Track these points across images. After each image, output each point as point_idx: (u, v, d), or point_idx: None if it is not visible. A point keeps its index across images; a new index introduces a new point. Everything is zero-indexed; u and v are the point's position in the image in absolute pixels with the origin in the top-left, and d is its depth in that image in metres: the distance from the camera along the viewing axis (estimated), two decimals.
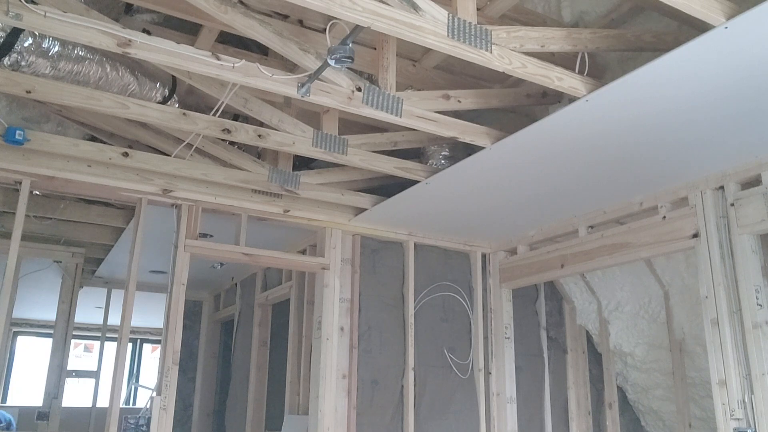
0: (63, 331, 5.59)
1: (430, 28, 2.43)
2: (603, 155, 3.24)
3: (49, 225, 5.09)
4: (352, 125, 3.89)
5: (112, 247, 5.57)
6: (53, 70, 2.87)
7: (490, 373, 4.72)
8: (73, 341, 6.05)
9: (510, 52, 2.67)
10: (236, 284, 6.53)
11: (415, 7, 2.42)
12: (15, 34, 2.70)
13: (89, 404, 6.88)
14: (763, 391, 3.04)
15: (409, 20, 2.40)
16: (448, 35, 2.47)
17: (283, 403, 4.82)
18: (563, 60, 3.05)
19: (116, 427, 3.46)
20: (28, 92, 2.87)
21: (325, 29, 2.87)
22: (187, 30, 3.35)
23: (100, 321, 6.95)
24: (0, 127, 3.31)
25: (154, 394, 3.62)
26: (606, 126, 2.93)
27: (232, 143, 3.83)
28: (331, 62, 2.52)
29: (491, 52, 2.58)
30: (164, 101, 3.30)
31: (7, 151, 3.40)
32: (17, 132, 3.29)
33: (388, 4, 2.36)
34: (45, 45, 2.80)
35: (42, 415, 5.42)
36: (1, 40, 2.68)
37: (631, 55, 3.35)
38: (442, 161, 3.85)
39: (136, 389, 10.55)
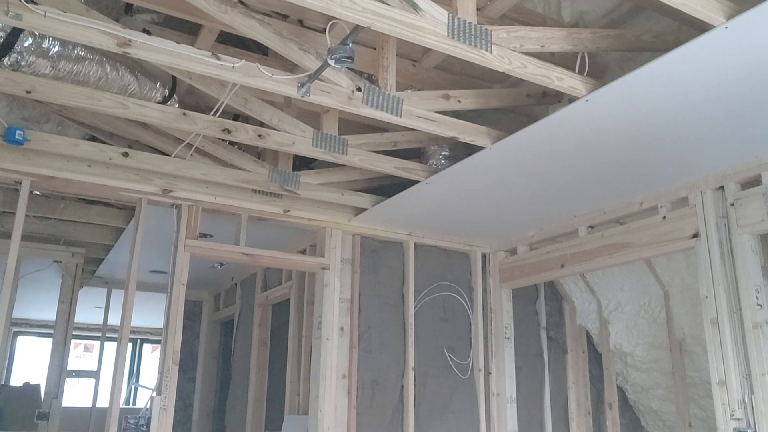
0: (63, 331, 5.59)
1: (430, 28, 2.43)
2: (603, 155, 3.24)
3: (49, 225, 5.09)
4: (352, 125, 3.89)
5: (112, 247, 5.57)
6: (53, 70, 2.87)
7: (490, 373, 4.72)
8: (73, 341, 6.04)
9: (510, 52, 2.67)
10: (236, 284, 6.53)
11: (415, 7, 2.42)
12: (15, 34, 2.69)
13: (89, 404, 6.88)
14: (763, 391, 3.03)
15: (409, 20, 2.40)
16: (448, 35, 2.47)
17: (283, 403, 4.82)
18: (563, 60, 3.05)
19: (116, 427, 3.46)
20: (28, 92, 2.87)
21: (325, 29, 2.87)
22: (187, 30, 3.36)
23: (100, 321, 6.95)
24: (0, 127, 3.31)
25: (154, 394, 3.62)
26: (606, 126, 2.93)
27: (232, 143, 3.83)
28: (331, 62, 2.52)
29: (491, 52, 2.58)
30: (164, 101, 3.30)
31: (7, 151, 3.40)
32: (17, 132, 3.29)
33: (388, 4, 2.36)
34: (45, 45, 2.80)
35: (42, 415, 5.42)
36: (1, 40, 2.68)
37: (631, 55, 3.35)
38: (442, 161, 3.84)
39: (136, 389, 10.55)
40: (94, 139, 3.72)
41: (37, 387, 6.85)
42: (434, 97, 3.24)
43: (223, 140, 3.73)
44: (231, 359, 6.62)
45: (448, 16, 2.48)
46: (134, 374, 10.77)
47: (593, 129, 2.96)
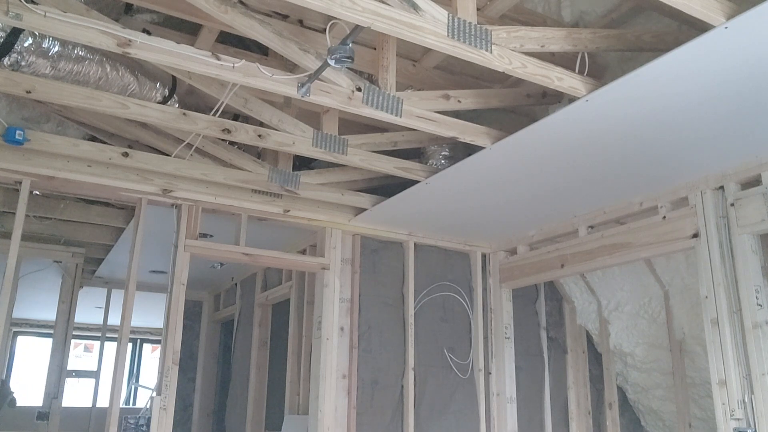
0: (63, 331, 5.59)
1: (430, 28, 2.43)
2: (603, 155, 3.24)
3: (49, 225, 5.08)
4: (352, 125, 3.89)
5: (112, 247, 5.57)
6: (53, 70, 2.87)
7: (490, 373, 4.72)
8: (73, 341, 6.04)
9: (510, 52, 2.66)
10: (236, 284, 6.53)
11: (415, 7, 2.42)
12: (15, 34, 2.69)
13: (89, 404, 6.88)
14: (763, 391, 3.04)
15: (409, 20, 2.40)
16: (448, 35, 2.47)
17: (283, 403, 4.82)
18: (563, 60, 3.05)
19: (116, 427, 3.46)
20: (28, 92, 2.87)
21: (325, 29, 2.87)
22: (187, 30, 3.35)
23: (100, 321, 6.95)
24: (0, 127, 3.31)
25: (154, 394, 3.62)
26: (606, 126, 2.93)
27: (232, 143, 3.83)
28: (331, 62, 2.52)
29: (491, 52, 2.58)
30: (164, 101, 3.30)
31: (7, 151, 3.40)
32: (17, 132, 3.29)
33: (388, 4, 2.36)
34: (45, 45, 2.80)
35: (42, 415, 5.42)
36: (1, 40, 2.68)
37: (631, 55, 3.35)
38: (442, 161, 3.84)
39: (136, 389, 10.55)
40: (94, 139, 3.72)
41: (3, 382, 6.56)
42: (434, 97, 3.24)
43: (223, 140, 3.73)
44: (231, 359, 6.62)
45: (448, 16, 2.48)
46: (134, 374, 10.77)
47: (593, 129, 2.96)
